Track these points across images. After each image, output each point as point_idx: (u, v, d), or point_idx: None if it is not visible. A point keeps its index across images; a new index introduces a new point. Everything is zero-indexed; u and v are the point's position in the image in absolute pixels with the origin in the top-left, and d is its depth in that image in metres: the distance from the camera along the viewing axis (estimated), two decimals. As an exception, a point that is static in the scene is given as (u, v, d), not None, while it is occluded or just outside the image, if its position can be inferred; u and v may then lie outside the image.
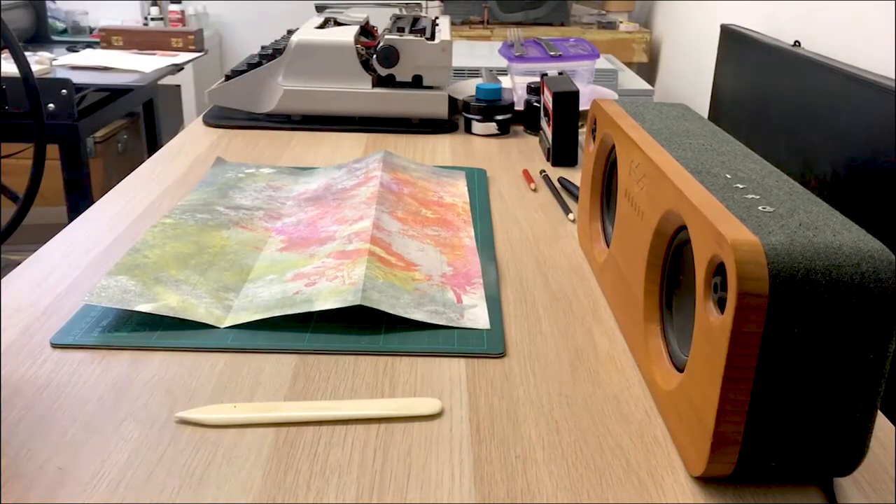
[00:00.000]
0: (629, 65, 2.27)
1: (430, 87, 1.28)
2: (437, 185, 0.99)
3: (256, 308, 0.68)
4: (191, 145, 1.19)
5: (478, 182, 1.03)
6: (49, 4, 3.08)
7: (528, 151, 1.20)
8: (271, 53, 1.30)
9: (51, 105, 1.90)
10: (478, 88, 1.27)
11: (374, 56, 1.26)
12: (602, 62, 1.83)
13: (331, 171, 1.03)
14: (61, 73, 2.06)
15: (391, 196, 0.90)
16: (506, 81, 1.47)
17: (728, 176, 0.56)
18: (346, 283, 0.69)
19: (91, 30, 3.15)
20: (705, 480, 0.51)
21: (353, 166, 1.02)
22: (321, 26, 1.38)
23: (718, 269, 0.47)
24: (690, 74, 2.27)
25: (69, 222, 0.90)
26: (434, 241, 0.82)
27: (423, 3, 2.14)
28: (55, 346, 0.63)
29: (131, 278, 0.69)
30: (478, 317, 0.69)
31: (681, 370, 0.55)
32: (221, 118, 1.29)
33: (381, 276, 0.71)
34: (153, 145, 2.63)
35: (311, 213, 0.88)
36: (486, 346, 0.65)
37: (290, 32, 1.40)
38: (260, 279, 0.73)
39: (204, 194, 0.91)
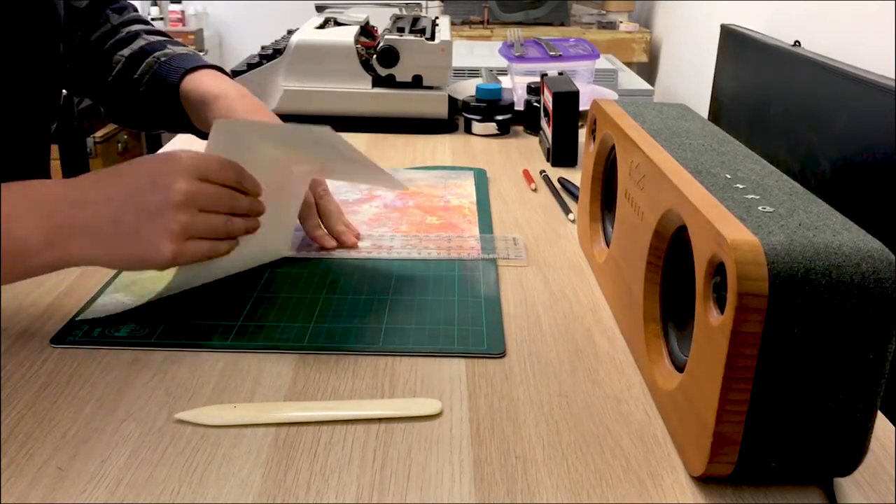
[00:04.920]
0: (629, 65, 2.26)
1: (430, 87, 1.28)
2: (443, 189, 1.00)
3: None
4: (191, 145, 1.19)
5: (478, 182, 1.03)
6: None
7: (528, 151, 1.20)
8: (271, 53, 1.30)
9: (51, 105, 1.89)
10: (478, 88, 1.27)
11: (374, 56, 1.26)
12: (602, 62, 1.82)
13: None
14: (61, 73, 2.06)
15: (394, 214, 0.91)
16: (506, 81, 1.47)
17: (728, 176, 0.56)
18: None
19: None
20: (705, 480, 0.51)
21: None
22: (321, 26, 1.38)
23: (718, 269, 0.47)
24: (690, 74, 2.27)
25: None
26: (437, 246, 0.82)
27: (423, 3, 2.14)
28: (55, 346, 0.63)
29: (126, 294, 0.71)
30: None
31: (681, 370, 0.55)
32: (221, 118, 1.28)
33: None
34: (153, 145, 2.63)
35: None
36: (486, 346, 0.65)
37: (290, 32, 1.40)
38: None
39: None
